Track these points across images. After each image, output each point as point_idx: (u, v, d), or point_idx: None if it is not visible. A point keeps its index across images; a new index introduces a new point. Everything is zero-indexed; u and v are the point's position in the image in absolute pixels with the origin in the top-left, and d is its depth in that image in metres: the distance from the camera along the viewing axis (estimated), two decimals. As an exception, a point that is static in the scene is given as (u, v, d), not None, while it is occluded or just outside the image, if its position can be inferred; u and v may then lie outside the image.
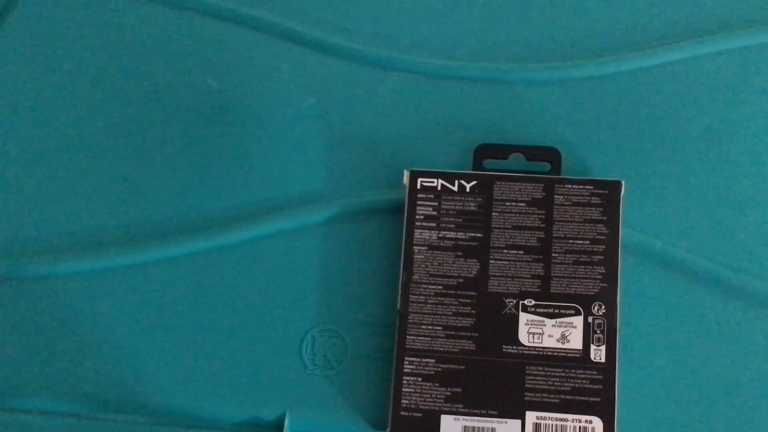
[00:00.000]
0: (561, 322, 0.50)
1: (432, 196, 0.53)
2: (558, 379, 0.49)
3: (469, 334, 0.50)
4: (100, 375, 0.52)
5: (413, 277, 0.52)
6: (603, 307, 0.50)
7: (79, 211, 0.56)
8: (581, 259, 0.51)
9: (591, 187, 0.53)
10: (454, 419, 0.49)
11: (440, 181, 0.53)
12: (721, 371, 0.51)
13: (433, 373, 0.50)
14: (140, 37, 0.61)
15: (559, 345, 0.50)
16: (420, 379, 0.50)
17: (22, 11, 0.62)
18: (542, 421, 0.49)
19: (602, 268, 0.51)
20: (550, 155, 0.55)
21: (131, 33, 0.61)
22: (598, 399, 0.49)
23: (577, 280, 0.51)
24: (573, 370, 0.49)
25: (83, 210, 0.56)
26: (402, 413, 0.49)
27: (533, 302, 0.51)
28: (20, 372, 0.52)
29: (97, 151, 0.58)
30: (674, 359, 0.51)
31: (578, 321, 0.50)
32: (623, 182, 0.53)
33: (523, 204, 0.53)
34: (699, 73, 0.59)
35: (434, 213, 0.53)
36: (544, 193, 0.53)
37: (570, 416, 0.49)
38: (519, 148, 0.55)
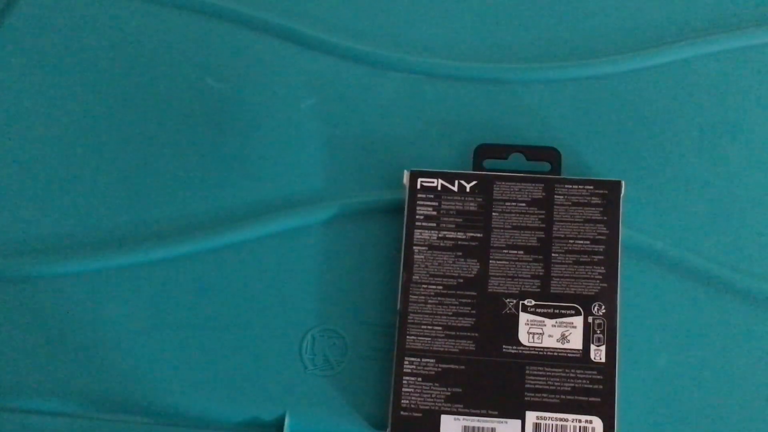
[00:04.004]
0: (561, 322, 0.50)
1: (432, 196, 0.53)
2: (558, 379, 0.49)
3: (469, 334, 0.50)
4: (101, 375, 0.52)
5: (413, 277, 0.52)
6: (603, 307, 0.50)
7: (79, 211, 0.56)
8: (581, 259, 0.51)
9: (591, 187, 0.53)
10: (454, 419, 0.49)
11: (440, 181, 0.53)
12: (721, 371, 0.51)
13: (433, 373, 0.50)
14: (140, 37, 0.61)
15: (559, 345, 0.50)
16: (420, 379, 0.50)
17: (22, 11, 0.62)
18: (542, 421, 0.49)
19: (602, 268, 0.51)
20: (550, 155, 0.55)
21: (131, 33, 0.61)
22: (598, 399, 0.49)
23: (577, 280, 0.51)
24: (573, 370, 0.49)
25: (83, 210, 0.56)
26: (402, 413, 0.49)
27: (533, 302, 0.51)
28: (20, 372, 0.52)
29: (97, 151, 0.58)
30: (674, 359, 0.51)
31: (578, 321, 0.50)
32: (623, 182, 0.53)
33: (523, 204, 0.53)
34: (699, 73, 0.59)
35: (434, 213, 0.53)
36: (544, 193, 0.53)
37: (570, 416, 0.49)
38: (519, 148, 0.55)
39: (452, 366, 0.50)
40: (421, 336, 0.50)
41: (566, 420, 0.49)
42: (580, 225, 0.52)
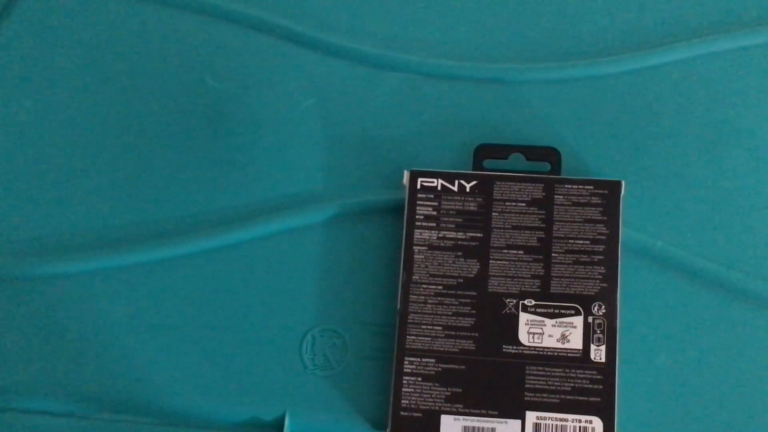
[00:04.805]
0: (561, 322, 0.50)
1: (432, 196, 0.53)
2: (558, 379, 0.49)
3: (469, 334, 0.50)
4: (101, 375, 0.52)
5: (413, 277, 0.52)
6: (603, 307, 0.50)
7: (79, 211, 0.56)
8: (581, 259, 0.51)
9: (591, 187, 0.53)
10: (454, 419, 0.49)
11: (440, 181, 0.53)
12: (721, 371, 0.51)
13: (433, 373, 0.50)
14: (140, 37, 0.61)
15: (559, 345, 0.50)
16: (420, 379, 0.50)
17: (22, 11, 0.62)
18: (542, 421, 0.49)
19: (602, 268, 0.51)
20: (550, 155, 0.55)
21: (131, 33, 0.61)
22: (598, 399, 0.49)
23: (577, 280, 0.51)
24: (573, 370, 0.49)
25: (83, 210, 0.56)
26: (402, 413, 0.49)
27: (533, 302, 0.51)
28: (20, 372, 0.52)
29: (97, 151, 0.58)
30: (674, 359, 0.51)
31: (578, 321, 0.50)
32: (623, 182, 0.53)
33: (523, 204, 0.53)
34: (699, 73, 0.59)
35: (434, 213, 0.53)
36: (544, 193, 0.53)
37: (570, 416, 0.49)
38: (519, 148, 0.55)
39: (452, 366, 0.50)
40: (421, 336, 0.50)
41: (566, 420, 0.49)
42: (580, 225, 0.52)
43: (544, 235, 0.52)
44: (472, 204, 0.53)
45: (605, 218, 0.52)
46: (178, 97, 0.59)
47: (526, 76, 0.59)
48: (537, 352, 0.50)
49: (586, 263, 0.51)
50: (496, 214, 0.53)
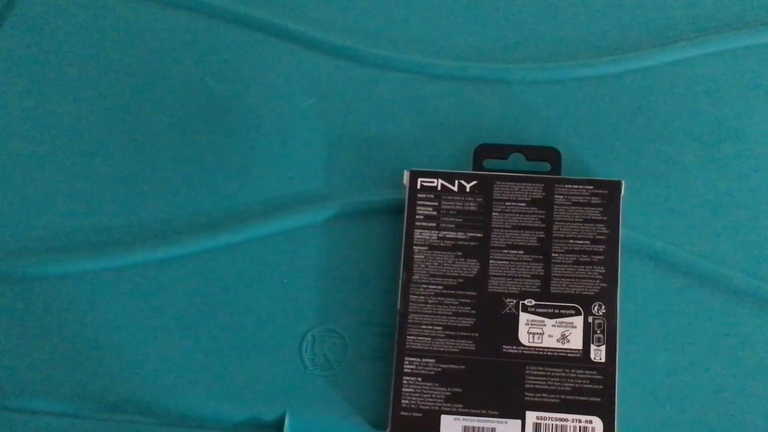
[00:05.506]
0: (561, 322, 0.50)
1: (432, 196, 0.53)
2: (558, 379, 0.49)
3: (469, 334, 0.50)
4: (101, 375, 0.52)
5: (413, 277, 0.52)
6: (603, 307, 0.50)
7: (80, 211, 0.56)
8: (581, 259, 0.51)
9: (591, 187, 0.53)
10: (454, 419, 0.49)
11: (440, 181, 0.53)
12: (721, 371, 0.51)
13: (433, 373, 0.50)
14: (140, 37, 0.61)
15: (559, 345, 0.50)
16: (420, 379, 0.50)
17: (22, 11, 0.62)
18: (542, 421, 0.49)
19: (602, 268, 0.51)
20: (550, 155, 0.55)
21: (131, 33, 0.62)
22: (598, 399, 0.49)
23: (577, 280, 0.51)
24: (573, 370, 0.49)
25: (84, 210, 0.56)
26: (402, 413, 0.49)
27: (533, 302, 0.51)
28: (20, 372, 0.52)
29: (98, 151, 0.58)
30: (674, 359, 0.51)
31: (578, 321, 0.50)
32: (623, 182, 0.53)
33: (523, 204, 0.53)
34: (699, 73, 0.59)
35: (434, 213, 0.53)
36: (544, 193, 0.53)
37: (570, 416, 0.49)
38: (519, 148, 0.55)
39: (452, 366, 0.50)
40: (421, 336, 0.50)
41: (566, 420, 0.49)
42: (580, 225, 0.52)
43: (544, 235, 0.52)
44: (472, 204, 0.53)
45: (605, 218, 0.52)
46: (178, 97, 0.59)
47: (526, 76, 0.59)
48: (537, 352, 0.50)
49: (586, 263, 0.51)
50: (496, 214, 0.53)
